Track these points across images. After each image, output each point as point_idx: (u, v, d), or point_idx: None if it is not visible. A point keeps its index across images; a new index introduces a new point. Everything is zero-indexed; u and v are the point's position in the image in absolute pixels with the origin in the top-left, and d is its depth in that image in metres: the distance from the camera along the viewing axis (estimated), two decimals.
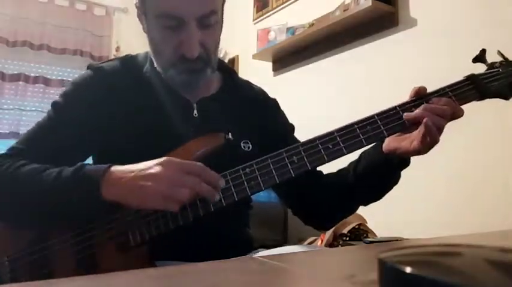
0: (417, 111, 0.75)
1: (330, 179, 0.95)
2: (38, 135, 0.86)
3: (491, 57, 0.87)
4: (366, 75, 2.17)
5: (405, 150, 0.78)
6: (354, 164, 0.90)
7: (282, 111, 1.04)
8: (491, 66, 0.84)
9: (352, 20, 2.16)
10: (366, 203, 0.94)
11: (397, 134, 0.80)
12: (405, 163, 0.84)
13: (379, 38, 2.12)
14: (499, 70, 0.82)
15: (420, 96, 0.78)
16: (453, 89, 0.79)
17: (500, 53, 0.85)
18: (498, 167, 1.58)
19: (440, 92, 0.79)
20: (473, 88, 0.79)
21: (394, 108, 0.78)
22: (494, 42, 1.59)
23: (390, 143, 0.81)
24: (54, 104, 0.87)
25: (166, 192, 0.66)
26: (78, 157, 0.85)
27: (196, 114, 0.88)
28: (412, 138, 0.77)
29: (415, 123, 0.75)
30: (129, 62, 0.91)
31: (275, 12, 2.88)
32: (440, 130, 0.74)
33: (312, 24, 2.39)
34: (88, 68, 0.90)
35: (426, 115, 0.73)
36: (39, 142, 0.84)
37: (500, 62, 0.84)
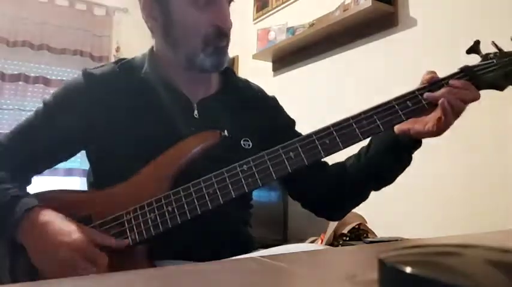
0: (439, 92, 0.76)
1: (338, 168, 0.96)
2: (23, 132, 0.87)
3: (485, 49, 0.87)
4: (365, 75, 2.17)
5: (418, 131, 0.80)
6: (365, 149, 0.91)
7: (282, 108, 1.05)
8: (485, 57, 0.84)
9: (352, 20, 2.16)
10: (377, 187, 0.94)
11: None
12: (417, 144, 0.85)
13: (379, 38, 2.12)
14: (493, 61, 0.82)
15: (417, 88, 0.79)
16: (448, 81, 0.80)
17: (494, 44, 0.85)
18: (498, 167, 1.57)
19: (437, 84, 0.79)
20: (468, 80, 0.80)
21: (390, 102, 0.78)
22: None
23: (403, 124, 0.82)
24: (44, 104, 0.89)
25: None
26: (58, 158, 0.90)
27: (197, 115, 0.89)
28: (426, 121, 0.78)
29: (434, 105, 0.77)
30: (124, 66, 0.91)
31: (275, 12, 2.88)
32: (458, 114, 0.76)
33: (312, 24, 2.39)
34: (82, 72, 0.90)
35: (447, 97, 0.75)
36: (22, 139, 0.87)
37: (495, 53, 0.84)
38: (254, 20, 3.05)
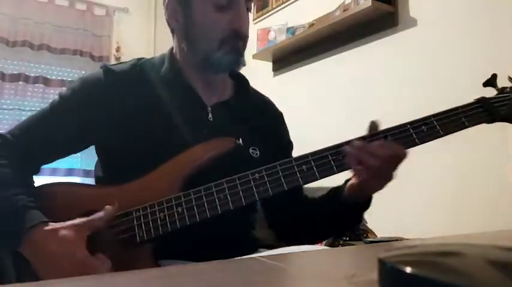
0: (350, 150, 0.77)
1: (307, 203, 0.99)
2: (37, 122, 0.88)
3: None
4: (365, 75, 2.17)
5: (353, 185, 0.84)
6: (321, 198, 0.95)
7: (286, 126, 1.07)
8: (501, 91, 0.87)
9: (352, 20, 2.16)
10: (323, 237, 0.98)
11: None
12: (366, 206, 0.88)
13: (379, 38, 2.12)
14: (509, 95, 0.85)
15: (432, 114, 0.80)
16: (465, 110, 0.81)
17: (510, 79, 0.87)
18: (498, 167, 1.57)
19: (453, 112, 0.81)
20: (484, 111, 0.82)
21: (405, 125, 0.79)
22: (493, 43, 1.59)
23: (351, 180, 0.86)
24: (60, 96, 0.89)
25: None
26: (69, 150, 0.91)
27: (211, 118, 0.90)
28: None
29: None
30: (144, 64, 0.92)
31: (275, 12, 2.88)
32: (371, 168, 0.76)
33: (312, 24, 2.39)
34: (101, 68, 0.91)
35: (355, 154, 0.76)
36: (36, 130, 0.87)
37: (511, 88, 0.86)
38: (254, 20, 3.05)
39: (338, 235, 0.95)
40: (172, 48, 0.96)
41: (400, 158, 0.77)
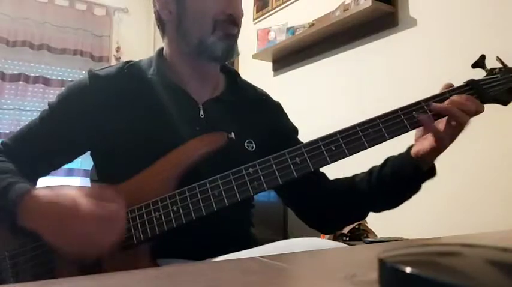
0: (444, 104, 0.77)
1: (342, 184, 0.95)
2: (29, 133, 0.88)
3: (490, 61, 0.87)
4: (365, 75, 2.17)
5: (425, 148, 0.80)
6: (377, 169, 0.90)
7: (285, 114, 1.06)
8: (490, 72, 0.86)
9: (352, 20, 2.16)
10: (380, 209, 0.94)
11: (419, 136, 0.82)
12: (431, 173, 0.85)
13: (379, 38, 2.12)
14: (498, 76, 0.84)
15: (423, 99, 0.80)
16: (454, 93, 0.80)
17: (499, 60, 0.86)
18: (498, 168, 1.57)
19: (441, 97, 0.80)
20: (473, 93, 0.81)
21: (396, 111, 0.78)
22: (493, 43, 1.59)
23: (415, 146, 0.83)
24: (49, 105, 0.89)
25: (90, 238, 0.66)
26: (63, 160, 0.92)
27: (203, 115, 0.90)
28: (431, 138, 0.79)
29: (438, 116, 0.77)
30: (131, 67, 0.92)
31: (275, 12, 2.88)
32: (462, 126, 0.76)
33: (312, 24, 2.39)
34: (87, 73, 0.91)
35: (452, 109, 0.76)
36: (28, 141, 0.87)
37: (500, 69, 0.85)
38: (254, 20, 3.05)
39: (391, 206, 0.92)
40: (161, 50, 0.96)
41: (479, 112, 0.78)
